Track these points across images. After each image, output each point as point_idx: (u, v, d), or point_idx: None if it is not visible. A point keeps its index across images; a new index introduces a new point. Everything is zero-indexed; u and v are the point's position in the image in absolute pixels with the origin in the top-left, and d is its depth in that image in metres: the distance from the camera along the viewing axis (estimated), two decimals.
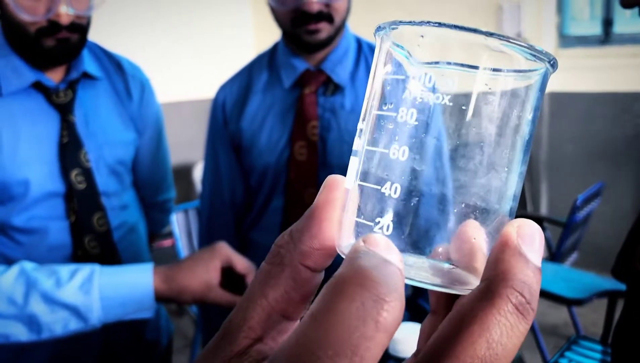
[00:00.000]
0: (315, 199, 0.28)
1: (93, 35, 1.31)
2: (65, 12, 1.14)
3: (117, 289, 1.04)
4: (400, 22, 0.27)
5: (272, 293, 0.26)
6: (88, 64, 1.30)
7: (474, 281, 0.25)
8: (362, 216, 0.26)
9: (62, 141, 1.23)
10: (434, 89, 0.25)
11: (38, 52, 1.18)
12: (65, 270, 1.04)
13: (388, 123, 0.26)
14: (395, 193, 0.26)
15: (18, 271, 0.93)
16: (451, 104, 0.25)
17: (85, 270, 1.05)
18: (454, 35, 0.25)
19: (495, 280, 0.23)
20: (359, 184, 0.27)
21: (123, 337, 1.29)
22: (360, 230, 0.26)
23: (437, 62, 0.26)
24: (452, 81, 0.25)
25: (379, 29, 0.28)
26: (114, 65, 1.38)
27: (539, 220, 3.73)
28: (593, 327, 3.20)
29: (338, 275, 0.22)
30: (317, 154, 1.31)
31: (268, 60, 1.41)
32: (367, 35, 3.98)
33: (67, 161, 1.23)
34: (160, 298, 1.07)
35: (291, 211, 1.34)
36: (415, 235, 0.25)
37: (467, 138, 0.25)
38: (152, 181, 1.52)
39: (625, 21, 3.78)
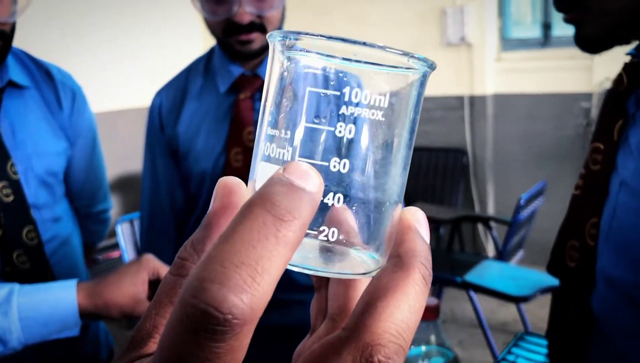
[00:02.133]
0: (210, 207, 0.29)
1: (41, 44, 1.27)
2: None
3: (38, 308, 0.99)
4: (292, 32, 0.28)
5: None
6: (14, 72, 1.25)
7: (379, 263, 0.29)
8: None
9: None
10: (361, 102, 0.28)
11: None
12: None
13: (322, 135, 0.28)
14: (338, 201, 0.28)
15: None
16: (379, 117, 0.28)
17: (3, 290, 1.00)
18: (338, 46, 0.27)
19: (406, 256, 0.27)
20: None
21: (60, 353, 1.25)
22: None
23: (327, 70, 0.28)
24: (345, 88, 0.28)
25: (271, 36, 0.29)
26: (43, 73, 1.33)
27: (485, 220, 3.81)
28: (541, 322, 3.28)
29: (248, 200, 0.24)
30: None
31: (204, 65, 1.39)
32: None
33: None
34: (86, 314, 1.03)
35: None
36: (328, 230, 0.28)
37: (362, 138, 0.28)
38: (86, 191, 1.47)
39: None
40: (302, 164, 0.26)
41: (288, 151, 0.28)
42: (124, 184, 3.68)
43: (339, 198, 0.28)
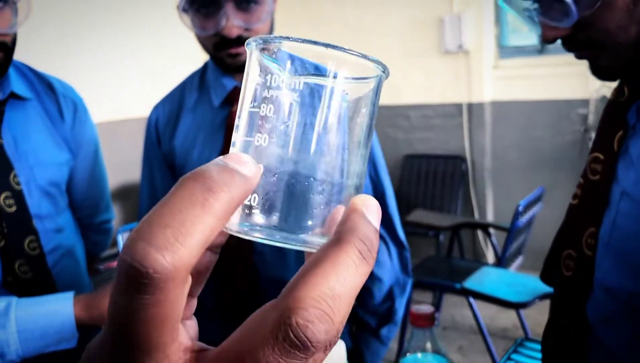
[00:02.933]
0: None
1: (41, 56, 1.28)
2: None
3: (36, 321, 1.00)
4: (266, 37, 0.32)
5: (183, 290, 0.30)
6: (16, 84, 1.27)
7: (317, 240, 0.31)
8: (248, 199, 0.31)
9: None
10: (298, 91, 0.31)
11: None
12: None
13: (264, 121, 0.31)
14: (272, 177, 0.31)
15: None
16: (308, 102, 0.31)
17: (0, 303, 1.01)
18: (308, 48, 0.31)
19: (344, 232, 0.28)
20: None
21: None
22: (245, 210, 0.31)
23: (297, 71, 0.31)
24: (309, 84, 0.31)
25: (248, 44, 0.33)
26: (45, 85, 1.35)
27: (484, 227, 3.82)
28: (541, 328, 3.27)
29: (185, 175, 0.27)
30: None
31: (199, 79, 1.41)
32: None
33: None
34: (83, 326, 1.04)
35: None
36: (285, 209, 0.31)
37: (322, 131, 0.31)
38: (88, 202, 1.49)
39: None
40: (242, 154, 0.29)
41: (240, 133, 0.32)
42: (124, 194, 3.69)
43: (259, 168, 0.31)
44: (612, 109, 0.85)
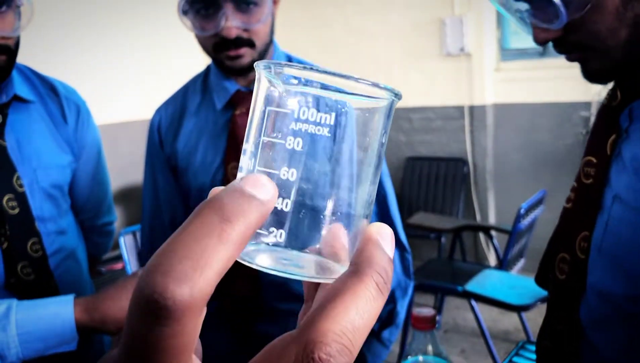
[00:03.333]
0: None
1: (43, 59, 1.28)
2: None
3: (36, 323, 1.00)
4: (279, 63, 0.31)
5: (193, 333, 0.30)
6: (19, 87, 1.28)
7: (340, 270, 0.31)
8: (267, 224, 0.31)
9: None
10: (313, 121, 0.31)
11: None
12: None
13: (277, 148, 0.31)
14: (286, 207, 0.31)
15: None
16: (324, 133, 0.31)
17: (1, 306, 1.01)
18: (317, 76, 0.31)
19: (362, 264, 0.29)
20: None
21: None
22: (256, 239, 0.31)
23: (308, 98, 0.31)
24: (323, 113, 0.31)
25: (258, 66, 0.33)
26: (48, 88, 1.36)
27: (486, 229, 3.82)
28: None
29: (200, 204, 0.27)
30: None
31: (202, 82, 1.41)
32: (316, 53, 3.98)
33: None
34: (83, 329, 1.04)
35: None
36: (300, 238, 0.31)
37: (335, 160, 0.31)
38: (91, 204, 1.49)
39: None
40: (259, 175, 0.28)
41: (252, 161, 0.32)
42: (126, 196, 3.70)
43: (286, 204, 0.31)
44: (605, 113, 0.86)
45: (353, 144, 0.31)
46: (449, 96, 4.21)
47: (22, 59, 1.28)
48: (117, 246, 3.23)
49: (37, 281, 1.23)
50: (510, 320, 3.54)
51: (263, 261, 0.31)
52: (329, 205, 0.31)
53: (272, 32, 1.32)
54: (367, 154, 0.32)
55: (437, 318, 3.67)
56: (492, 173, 4.22)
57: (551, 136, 3.96)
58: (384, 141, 0.33)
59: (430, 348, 0.91)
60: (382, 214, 1.40)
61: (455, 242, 3.81)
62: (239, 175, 0.32)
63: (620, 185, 0.79)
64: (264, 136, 0.32)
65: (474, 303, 2.89)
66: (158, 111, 1.44)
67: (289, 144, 0.31)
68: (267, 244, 0.31)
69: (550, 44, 0.83)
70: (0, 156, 1.21)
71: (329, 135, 0.31)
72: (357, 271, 0.29)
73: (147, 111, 3.92)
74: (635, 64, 0.79)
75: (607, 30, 0.75)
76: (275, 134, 0.31)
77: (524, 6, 0.83)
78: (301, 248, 0.31)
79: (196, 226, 0.26)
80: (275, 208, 0.31)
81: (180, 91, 1.44)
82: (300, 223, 0.31)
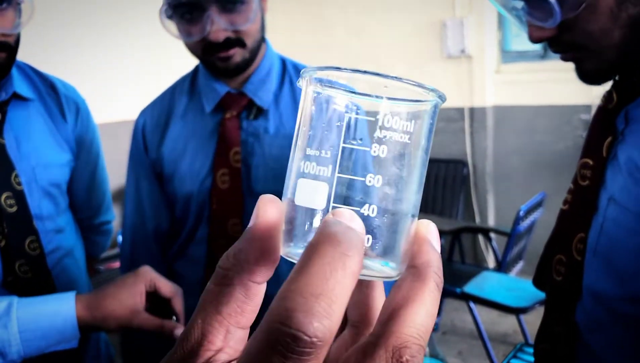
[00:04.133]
0: (251, 221, 0.32)
1: (43, 56, 1.27)
2: None
3: (38, 321, 0.99)
4: (324, 68, 0.33)
5: (226, 309, 0.31)
6: (18, 84, 1.27)
7: (395, 270, 0.33)
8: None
9: None
10: (396, 129, 0.32)
11: None
12: None
13: (349, 153, 0.32)
14: (373, 212, 0.32)
15: None
16: (405, 140, 0.32)
17: (2, 303, 1.01)
18: (366, 78, 0.32)
19: (422, 267, 0.32)
20: (333, 206, 0.33)
21: None
22: (307, 236, 0.32)
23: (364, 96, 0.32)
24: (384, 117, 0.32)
25: (304, 72, 0.34)
26: (47, 86, 1.36)
27: (485, 231, 3.82)
28: None
29: (314, 240, 0.29)
30: (240, 181, 1.25)
31: (189, 83, 1.35)
32: (317, 54, 3.98)
33: None
34: (84, 326, 1.03)
35: (214, 242, 1.28)
36: (383, 244, 0.33)
37: (393, 162, 0.32)
38: (89, 203, 1.49)
39: None
40: (345, 210, 0.30)
41: (328, 168, 0.32)
42: (124, 195, 3.70)
43: (373, 209, 0.32)
44: (602, 116, 0.86)
45: (411, 146, 0.33)
46: (449, 98, 4.19)
47: (22, 56, 1.28)
48: (115, 244, 3.23)
49: (34, 280, 1.22)
50: (508, 323, 3.54)
51: None
52: (397, 206, 0.33)
53: (262, 28, 1.26)
54: (419, 156, 0.33)
55: (436, 320, 3.70)
56: (492, 174, 4.22)
57: (551, 139, 3.96)
58: (429, 139, 0.34)
59: (427, 350, 0.90)
60: None
61: (454, 244, 3.81)
62: (300, 181, 0.33)
63: (615, 187, 0.80)
64: (343, 143, 0.32)
65: (472, 305, 2.89)
66: (143, 113, 1.38)
67: (374, 152, 0.32)
68: None
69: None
70: None
71: (409, 141, 0.32)
72: (420, 275, 0.32)
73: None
74: (630, 65, 0.80)
75: (601, 30, 0.76)
76: (357, 141, 0.32)
77: (520, 4, 0.83)
78: (386, 254, 0.33)
79: (321, 263, 0.28)
80: (363, 213, 0.32)
81: (167, 92, 1.38)
82: (371, 229, 0.32)
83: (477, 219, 4.23)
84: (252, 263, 0.32)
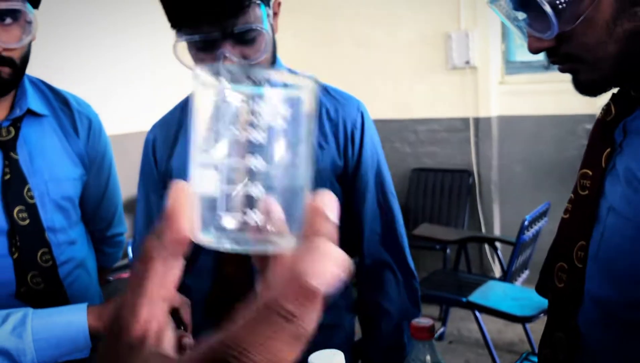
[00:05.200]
0: (168, 204, 0.36)
1: (53, 70, 1.29)
2: None
3: (51, 330, 1.03)
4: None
5: (150, 285, 0.35)
6: (33, 101, 1.31)
7: (285, 243, 0.35)
8: (230, 211, 0.35)
9: (4, 178, 1.23)
10: (261, 112, 0.35)
11: None
12: None
13: (236, 140, 0.35)
14: (255, 189, 0.35)
15: None
16: (280, 122, 0.35)
17: (18, 313, 1.04)
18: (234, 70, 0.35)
19: (312, 237, 0.34)
20: (222, 188, 0.35)
21: None
22: (212, 222, 0.35)
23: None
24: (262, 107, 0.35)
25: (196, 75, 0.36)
26: (61, 102, 1.39)
27: (491, 241, 3.83)
28: None
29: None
30: None
31: None
32: (324, 66, 3.99)
33: (9, 197, 1.23)
34: (96, 336, 1.07)
35: (221, 254, 1.27)
36: (251, 218, 0.35)
37: (276, 144, 0.35)
38: (101, 216, 1.52)
39: None
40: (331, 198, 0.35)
41: (217, 155, 0.35)
42: (134, 206, 3.74)
43: (259, 189, 0.35)
44: (601, 128, 0.89)
45: (288, 129, 0.35)
46: (454, 108, 4.23)
47: (32, 71, 1.31)
48: (125, 255, 3.27)
49: (46, 291, 1.26)
50: (514, 332, 3.54)
51: (226, 245, 0.35)
52: (276, 183, 0.35)
53: (274, 51, 1.25)
54: (299, 137, 0.36)
55: (442, 329, 3.67)
56: (497, 184, 4.23)
57: (555, 149, 3.98)
58: (313, 122, 0.37)
59: (429, 358, 0.93)
60: (389, 238, 1.34)
61: (460, 253, 3.82)
62: (199, 171, 0.36)
63: (614, 197, 0.82)
64: (222, 130, 0.35)
65: (478, 314, 2.90)
66: (153, 128, 1.41)
67: (254, 137, 0.35)
68: (226, 228, 0.35)
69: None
70: (12, 168, 1.25)
71: (281, 123, 0.35)
72: (309, 244, 0.33)
73: (151, 124, 3.96)
74: (626, 78, 0.83)
75: (597, 43, 0.79)
76: (233, 128, 0.35)
77: (522, 16, 0.86)
78: (244, 228, 0.35)
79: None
80: (230, 194, 0.35)
81: (176, 108, 1.40)
82: (254, 205, 0.35)
83: (483, 229, 4.24)
84: (167, 240, 0.35)
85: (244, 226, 0.35)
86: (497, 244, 3.76)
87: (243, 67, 0.35)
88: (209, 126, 0.35)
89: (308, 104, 0.36)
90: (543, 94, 3.98)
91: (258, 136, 0.34)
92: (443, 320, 3.67)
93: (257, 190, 0.35)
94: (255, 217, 0.35)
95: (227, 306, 1.35)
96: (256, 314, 0.32)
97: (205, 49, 1.15)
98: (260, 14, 1.14)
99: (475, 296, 2.84)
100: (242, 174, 0.35)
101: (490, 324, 3.43)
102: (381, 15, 4.34)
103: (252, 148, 0.35)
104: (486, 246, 4.21)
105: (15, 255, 1.23)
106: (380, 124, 4.53)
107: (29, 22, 1.18)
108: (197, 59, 1.20)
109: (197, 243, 0.35)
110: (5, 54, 1.16)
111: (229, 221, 0.35)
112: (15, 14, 1.15)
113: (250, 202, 0.35)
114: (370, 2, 4.36)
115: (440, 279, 3.30)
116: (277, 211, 0.35)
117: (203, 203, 0.35)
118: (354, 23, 4.46)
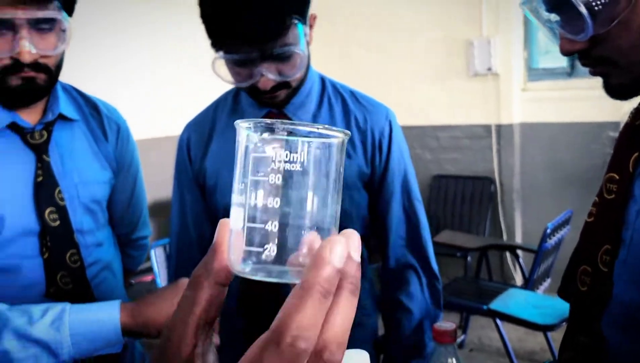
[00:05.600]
0: (215, 238, 0.41)
1: (78, 77, 1.32)
2: (28, 50, 1.16)
3: (87, 325, 1.06)
4: (253, 121, 0.41)
5: (198, 310, 0.40)
6: (64, 106, 1.35)
7: (295, 276, 0.39)
8: (251, 245, 0.39)
9: (37, 180, 1.27)
10: (288, 160, 0.39)
11: (4, 91, 1.21)
12: (37, 308, 1.07)
13: (262, 184, 0.39)
14: (275, 228, 0.39)
15: None
16: (298, 168, 0.39)
17: (56, 308, 1.08)
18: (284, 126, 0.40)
19: (307, 278, 0.36)
20: (247, 226, 0.40)
21: None
22: (250, 256, 0.39)
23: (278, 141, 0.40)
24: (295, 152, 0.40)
25: (238, 124, 0.42)
26: (91, 107, 1.43)
27: (512, 248, 3.80)
28: None
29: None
30: None
31: (232, 100, 1.41)
32: (344, 71, 4.02)
33: (41, 199, 1.27)
34: (128, 332, 1.10)
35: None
36: (284, 252, 0.39)
37: (306, 187, 0.39)
38: (127, 219, 1.56)
39: None
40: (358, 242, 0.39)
41: (243, 197, 0.40)
42: (157, 211, 3.78)
43: (275, 225, 0.39)
44: (629, 132, 0.88)
45: (319, 173, 0.40)
46: (476, 115, 4.22)
47: (65, 77, 1.35)
48: (147, 258, 3.32)
49: (75, 291, 1.29)
50: (536, 340, 3.51)
51: (259, 275, 0.39)
52: (308, 223, 0.39)
53: (309, 64, 1.28)
54: (314, 179, 0.40)
55: (463, 337, 3.65)
56: (519, 192, 4.20)
57: (578, 156, 3.94)
58: (341, 170, 0.41)
59: (451, 361, 0.94)
60: (413, 241, 1.37)
61: (481, 261, 3.80)
62: (234, 210, 0.41)
63: None
64: (251, 176, 0.40)
65: (499, 322, 2.88)
66: (187, 128, 1.45)
67: (271, 180, 0.39)
68: (262, 260, 0.39)
69: (576, 62, 0.86)
70: (44, 171, 1.28)
71: (300, 169, 0.39)
72: (303, 285, 0.36)
73: (174, 129, 4.02)
74: None
75: (631, 46, 0.78)
76: (260, 174, 0.40)
77: (555, 17, 0.85)
78: (285, 260, 0.39)
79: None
80: (267, 229, 0.39)
81: (210, 108, 1.44)
82: (290, 243, 0.39)
83: (505, 236, 4.21)
84: (214, 270, 0.40)
85: (277, 259, 0.39)
86: (519, 252, 3.73)
87: (281, 122, 0.39)
88: (245, 169, 0.40)
89: (337, 154, 0.40)
90: (566, 101, 3.95)
91: (272, 180, 0.39)
92: (464, 327, 3.65)
93: (269, 225, 0.39)
94: (289, 252, 0.39)
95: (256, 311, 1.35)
96: (296, 299, 0.35)
97: (243, 65, 1.18)
98: (297, 34, 1.17)
99: (496, 304, 2.83)
100: (272, 213, 0.39)
101: (512, 333, 3.41)
102: (402, 22, 4.35)
103: (282, 190, 0.39)
104: (507, 254, 4.18)
105: (46, 255, 1.27)
106: (402, 130, 4.53)
107: (64, 30, 1.22)
108: (234, 73, 1.23)
109: (236, 273, 0.40)
110: (41, 61, 1.20)
111: (264, 255, 0.39)
112: (51, 22, 1.19)
113: (282, 240, 0.39)
114: (391, 8, 4.38)
115: (461, 286, 3.29)
116: (286, 246, 0.39)
117: (237, 238, 0.40)
118: (375, 29, 4.48)
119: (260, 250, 0.39)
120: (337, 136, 0.40)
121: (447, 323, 0.95)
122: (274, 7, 1.10)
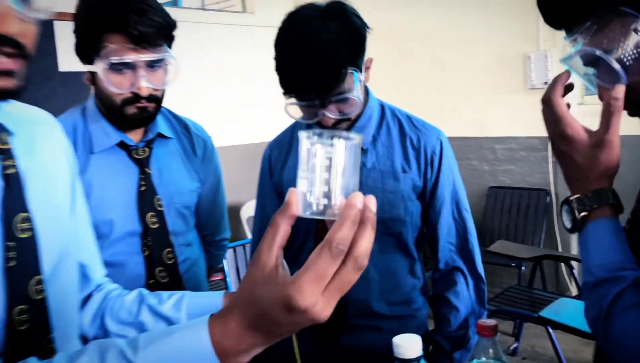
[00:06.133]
0: (286, 197, 0.63)
1: (172, 96, 1.55)
2: (146, 86, 1.43)
3: (199, 308, 1.18)
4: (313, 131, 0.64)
5: (278, 237, 0.63)
6: (162, 126, 1.59)
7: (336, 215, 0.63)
8: (310, 200, 0.63)
9: (140, 189, 1.51)
10: (329, 152, 0.63)
11: (122, 118, 1.47)
12: (165, 294, 1.21)
13: (316, 166, 0.63)
14: (322, 191, 0.63)
15: (137, 292, 1.14)
16: (335, 157, 0.63)
17: (178, 293, 1.22)
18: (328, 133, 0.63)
19: (345, 211, 0.61)
20: (308, 189, 0.64)
21: None
22: (309, 207, 0.63)
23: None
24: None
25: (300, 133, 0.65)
26: (182, 126, 1.68)
27: (567, 259, 3.84)
28: None
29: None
30: None
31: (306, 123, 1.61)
32: (402, 85, 4.11)
33: (144, 205, 1.50)
34: None
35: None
36: (328, 205, 0.63)
37: (340, 168, 0.63)
38: (211, 223, 1.79)
39: None
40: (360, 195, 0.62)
41: (307, 173, 0.63)
42: (229, 214, 4.05)
43: (329, 189, 0.62)
44: None
45: (347, 161, 0.63)
46: (532, 128, 4.28)
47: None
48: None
49: (169, 283, 1.52)
50: (591, 352, 3.51)
51: (314, 215, 0.63)
52: (337, 189, 0.63)
53: (367, 98, 1.50)
54: (352, 165, 0.63)
55: (515, 345, 3.70)
56: None
57: (635, 169, 3.94)
58: (358, 160, 0.64)
59: (491, 352, 1.09)
60: (461, 246, 1.55)
61: (535, 271, 3.85)
62: (300, 181, 0.63)
63: None
64: (309, 162, 0.63)
65: (551, 331, 2.95)
66: (270, 145, 1.67)
67: (321, 164, 0.62)
68: (315, 210, 0.63)
69: None
70: (146, 181, 1.52)
71: (336, 157, 0.62)
72: (342, 214, 0.61)
73: (240, 138, 4.30)
74: None
75: None
76: (315, 160, 0.62)
77: (592, 70, 0.97)
78: (328, 210, 0.63)
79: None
80: (318, 192, 0.62)
81: (289, 129, 1.66)
82: (328, 198, 0.63)
83: (560, 248, 4.25)
84: (288, 213, 0.62)
85: (324, 209, 0.63)
86: (573, 263, 3.78)
87: (327, 131, 0.63)
88: (306, 158, 0.63)
89: (357, 150, 0.63)
90: (623, 115, 3.96)
91: (330, 164, 0.62)
92: (517, 336, 3.72)
93: (328, 190, 0.62)
94: (327, 203, 0.62)
95: None
96: (337, 225, 0.60)
97: (308, 107, 1.40)
98: (352, 80, 1.37)
99: (547, 312, 2.90)
100: (321, 183, 0.62)
101: (566, 343, 3.45)
102: (460, 37, 4.45)
103: (327, 170, 0.62)
104: (563, 266, 4.22)
105: (147, 253, 1.50)
106: (458, 141, 4.64)
107: (168, 65, 1.47)
108: (303, 113, 1.44)
109: (300, 216, 0.63)
110: (153, 93, 1.45)
111: (316, 206, 0.63)
112: (161, 61, 1.43)
113: (326, 196, 0.62)
114: (447, 23, 4.49)
115: (513, 295, 3.38)
116: (341, 200, 0.62)
117: (301, 197, 0.63)
118: (431, 43, 4.59)
119: (315, 203, 0.63)
120: (356, 139, 0.63)
121: (489, 320, 1.10)
122: (331, 62, 1.32)
